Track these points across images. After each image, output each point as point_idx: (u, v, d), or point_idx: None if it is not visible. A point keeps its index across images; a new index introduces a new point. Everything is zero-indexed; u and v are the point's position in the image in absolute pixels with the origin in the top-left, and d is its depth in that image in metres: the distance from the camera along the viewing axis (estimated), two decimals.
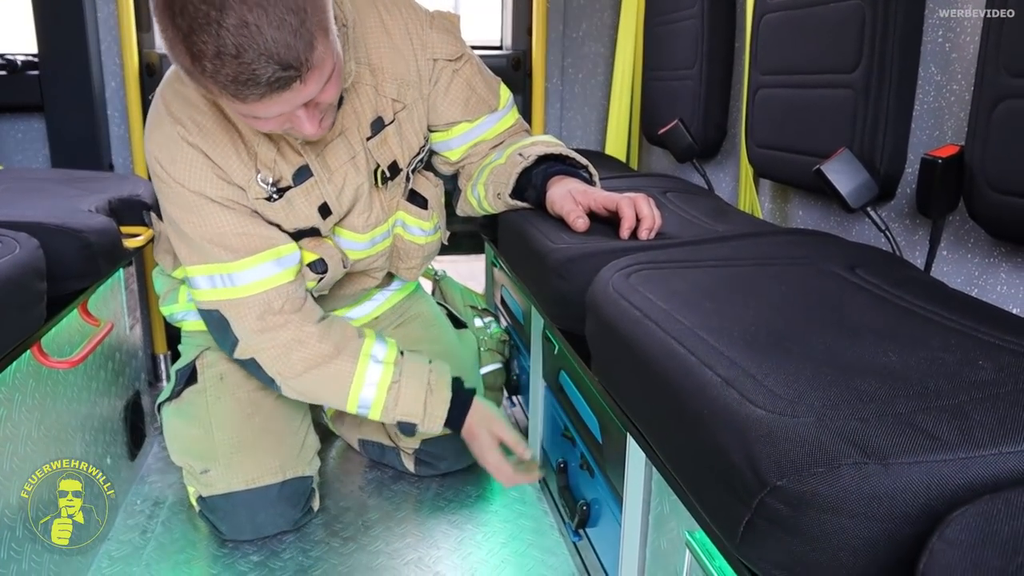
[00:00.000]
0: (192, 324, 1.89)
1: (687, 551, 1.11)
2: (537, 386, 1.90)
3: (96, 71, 2.69)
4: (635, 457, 1.24)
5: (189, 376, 1.83)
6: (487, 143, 1.75)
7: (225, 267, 1.51)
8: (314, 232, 1.61)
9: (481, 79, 1.71)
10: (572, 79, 2.95)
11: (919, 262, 1.42)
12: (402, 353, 1.66)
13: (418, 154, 1.70)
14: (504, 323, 2.36)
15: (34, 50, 2.66)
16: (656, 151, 2.62)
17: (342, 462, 2.16)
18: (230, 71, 1.09)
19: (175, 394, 1.83)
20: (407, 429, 1.67)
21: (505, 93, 1.78)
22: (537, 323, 1.86)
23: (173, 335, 2.51)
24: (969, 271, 1.38)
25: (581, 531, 1.62)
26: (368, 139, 1.58)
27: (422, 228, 1.76)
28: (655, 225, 1.45)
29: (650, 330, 0.93)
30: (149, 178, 1.69)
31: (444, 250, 1.97)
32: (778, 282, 1.08)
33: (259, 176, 1.49)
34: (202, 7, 1.06)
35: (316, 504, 1.87)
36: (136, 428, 2.11)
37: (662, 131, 2.20)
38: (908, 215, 1.51)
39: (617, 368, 1.05)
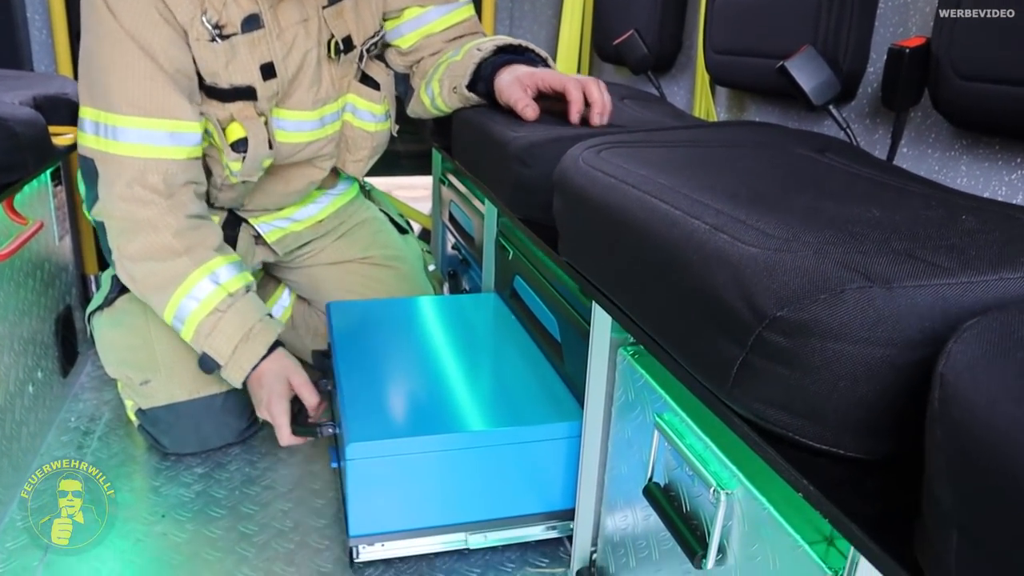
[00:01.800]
0: None
1: (655, 433, 1.10)
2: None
3: None
4: (600, 332, 1.22)
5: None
6: (437, 36, 1.71)
7: (115, 118, 1.42)
8: (250, 95, 1.52)
9: None
10: None
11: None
12: (248, 290, 1.55)
13: (373, 37, 1.66)
14: (453, 239, 2.31)
15: None
16: (608, 68, 2.58)
17: None
18: None
19: (108, 302, 1.74)
20: (208, 366, 1.55)
21: None
22: (491, 231, 1.82)
23: (104, 256, 2.39)
24: (929, 166, 1.38)
25: None
26: (324, 7, 1.54)
27: (373, 113, 1.70)
28: (606, 110, 1.41)
29: (628, 193, 0.90)
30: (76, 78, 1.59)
31: (388, 170, 1.89)
32: (751, 160, 1.06)
33: (205, 16, 1.42)
34: None
35: None
36: (68, 344, 2.01)
37: (617, 41, 2.15)
38: (869, 114, 1.51)
39: (588, 241, 1.02)
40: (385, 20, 1.68)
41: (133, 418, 1.76)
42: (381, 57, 1.76)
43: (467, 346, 1.62)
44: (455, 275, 2.31)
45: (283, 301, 2.01)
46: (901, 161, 1.41)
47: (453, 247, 2.33)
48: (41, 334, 1.83)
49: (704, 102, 1.93)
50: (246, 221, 1.78)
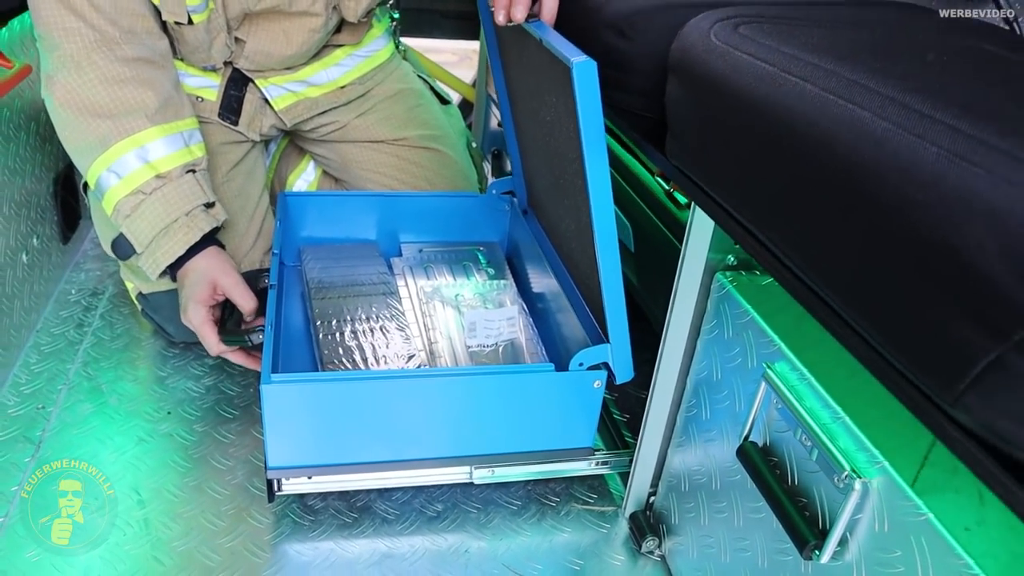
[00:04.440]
0: None
1: (762, 385, 0.90)
2: None
3: None
4: (693, 262, 1.00)
5: None
6: None
7: None
8: None
9: None
10: None
11: None
12: (187, 171, 1.31)
13: None
14: (498, 116, 2.06)
15: None
16: None
17: None
18: None
19: None
20: (124, 250, 1.37)
21: None
22: None
23: None
24: None
25: None
26: None
27: None
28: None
29: (797, 87, 0.65)
30: None
31: (426, 31, 1.57)
32: (938, 50, 0.80)
33: None
34: None
35: None
36: (69, 208, 1.80)
37: None
38: None
39: (719, 143, 0.78)
40: None
41: (136, 301, 1.57)
42: None
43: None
44: (499, 155, 2.07)
45: (307, 175, 1.78)
46: None
47: (499, 123, 2.08)
48: (37, 196, 1.63)
49: None
50: (253, 81, 1.52)
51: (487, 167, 2.16)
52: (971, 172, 0.49)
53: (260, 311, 1.33)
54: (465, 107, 2.72)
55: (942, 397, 0.50)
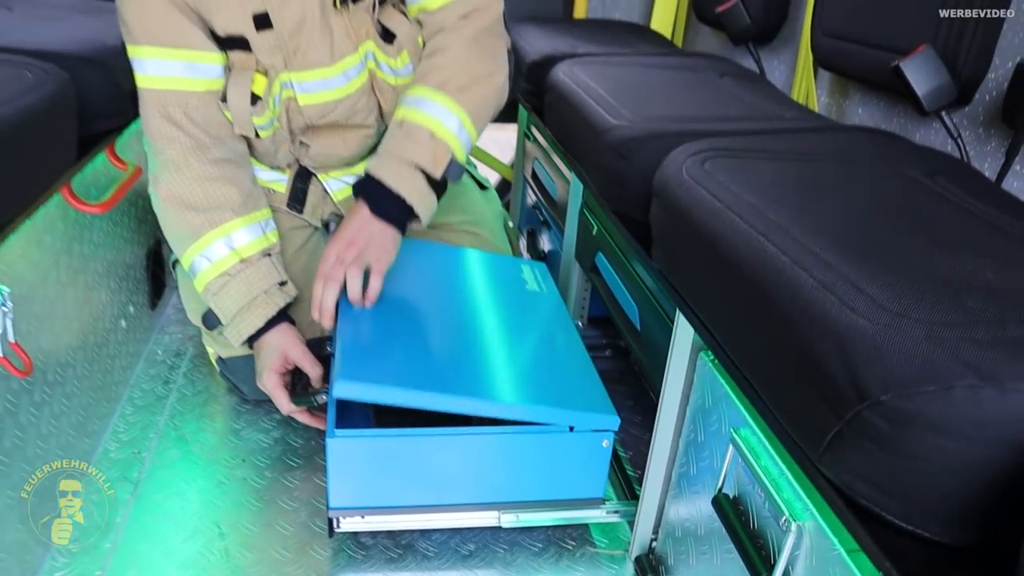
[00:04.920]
0: None
1: (730, 447, 1.10)
2: (571, 267, 1.86)
3: None
4: (682, 343, 1.22)
5: None
6: (429, 13, 1.56)
7: (137, 50, 1.44)
8: (245, 45, 1.49)
9: None
10: None
11: (988, 173, 1.37)
12: (265, 255, 1.55)
13: None
14: (533, 197, 2.31)
15: None
16: (704, 30, 2.50)
17: None
18: None
19: None
20: (211, 322, 1.59)
21: None
22: (575, 199, 1.80)
23: None
24: None
25: None
26: None
27: (391, 67, 1.60)
28: (323, 313, 1.43)
29: (733, 223, 0.89)
30: None
31: None
32: (860, 184, 1.03)
33: None
34: None
35: None
36: (156, 277, 2.08)
37: (720, 9, 2.08)
38: (983, 123, 1.44)
39: (684, 256, 1.01)
40: None
41: (215, 364, 1.82)
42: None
43: (499, 312, 1.53)
44: (534, 234, 2.31)
45: None
46: (1012, 180, 1.35)
47: (533, 206, 2.33)
48: (134, 269, 1.91)
49: (805, 83, 1.86)
50: (316, 176, 1.78)
51: (522, 243, 2.40)
52: (829, 299, 0.71)
53: (324, 376, 1.57)
54: (503, 185, 2.99)
55: (812, 455, 0.71)
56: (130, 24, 1.41)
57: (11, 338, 1.23)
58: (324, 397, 1.47)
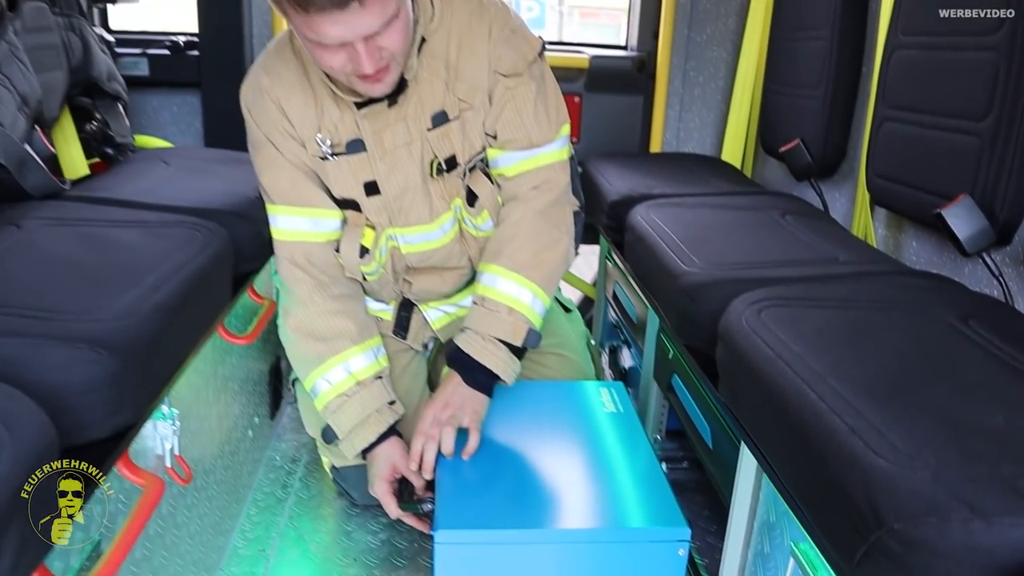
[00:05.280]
0: None
1: (791, 559, 1.25)
2: (649, 385, 2.04)
3: (248, 52, 2.92)
4: (747, 468, 1.38)
5: None
6: (507, 179, 1.77)
7: (273, 208, 1.71)
8: (356, 206, 1.74)
9: (532, 108, 1.70)
10: (692, 82, 3.04)
11: None
12: (377, 377, 1.75)
13: (479, 153, 1.76)
14: (614, 317, 2.51)
15: (194, 31, 2.91)
16: (771, 161, 2.70)
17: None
18: None
19: None
20: (329, 436, 1.78)
21: (559, 130, 1.75)
22: (652, 326, 2.00)
23: None
24: None
25: None
26: (429, 130, 1.67)
27: (474, 223, 1.83)
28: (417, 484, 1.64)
29: (783, 371, 1.07)
30: None
31: None
32: (897, 330, 1.20)
33: (319, 135, 1.65)
34: None
35: None
36: (276, 391, 2.34)
37: (783, 149, 2.29)
38: (1023, 262, 1.59)
39: (745, 394, 1.19)
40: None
41: (328, 471, 2.05)
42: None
43: (578, 438, 1.63)
44: (615, 351, 2.50)
45: None
46: None
47: (614, 324, 2.52)
48: (259, 384, 2.17)
49: (863, 220, 2.04)
50: (417, 306, 2.02)
51: (604, 359, 2.60)
52: (857, 443, 0.88)
53: (428, 485, 1.77)
54: (585, 302, 3.20)
55: (847, 568, 0.88)
56: (267, 188, 1.70)
57: (176, 451, 1.47)
58: (429, 506, 1.67)
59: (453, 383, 1.64)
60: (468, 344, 1.65)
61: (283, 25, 2.75)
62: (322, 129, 1.64)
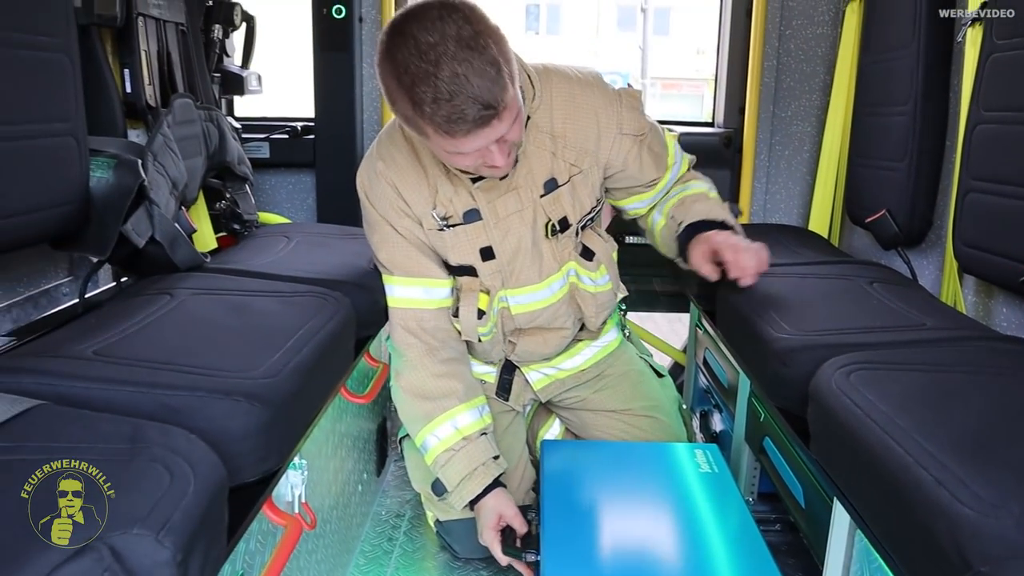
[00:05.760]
0: None
1: None
2: (741, 448, 2.11)
3: (359, 136, 3.17)
4: (840, 523, 1.44)
5: None
6: (659, 191, 2.02)
7: (389, 279, 1.87)
8: (472, 272, 1.89)
9: (658, 147, 1.94)
10: (778, 155, 3.15)
11: None
12: (484, 434, 1.88)
13: (589, 213, 1.93)
14: (705, 382, 2.58)
15: (310, 116, 3.19)
16: (858, 230, 2.77)
17: None
18: (444, 112, 1.40)
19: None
20: (438, 489, 1.92)
21: (672, 151, 2.00)
22: (744, 389, 2.07)
23: None
24: None
25: None
26: (541, 196, 1.84)
27: (591, 279, 1.97)
28: (746, 273, 1.79)
29: (871, 428, 1.15)
30: None
31: (644, 306, 2.07)
32: (982, 391, 1.27)
33: (435, 211, 1.80)
34: (422, 65, 1.37)
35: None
36: (382, 448, 2.49)
37: (869, 220, 2.36)
38: None
39: (836, 453, 1.27)
40: (612, 194, 2.03)
41: (432, 525, 2.16)
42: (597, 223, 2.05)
43: (675, 499, 1.69)
44: (706, 415, 2.57)
45: (553, 431, 2.35)
46: None
47: (705, 389, 2.60)
48: (368, 442, 2.32)
49: (952, 288, 2.09)
50: (519, 368, 2.15)
51: (695, 423, 2.66)
52: (943, 494, 0.96)
53: (528, 532, 1.87)
54: (675, 368, 3.28)
55: None
56: (383, 260, 1.88)
57: (303, 499, 1.62)
58: (532, 556, 1.77)
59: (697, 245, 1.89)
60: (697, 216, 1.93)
61: (391, 113, 2.99)
62: (437, 205, 1.81)
